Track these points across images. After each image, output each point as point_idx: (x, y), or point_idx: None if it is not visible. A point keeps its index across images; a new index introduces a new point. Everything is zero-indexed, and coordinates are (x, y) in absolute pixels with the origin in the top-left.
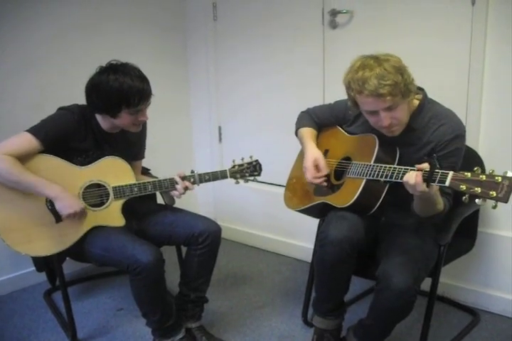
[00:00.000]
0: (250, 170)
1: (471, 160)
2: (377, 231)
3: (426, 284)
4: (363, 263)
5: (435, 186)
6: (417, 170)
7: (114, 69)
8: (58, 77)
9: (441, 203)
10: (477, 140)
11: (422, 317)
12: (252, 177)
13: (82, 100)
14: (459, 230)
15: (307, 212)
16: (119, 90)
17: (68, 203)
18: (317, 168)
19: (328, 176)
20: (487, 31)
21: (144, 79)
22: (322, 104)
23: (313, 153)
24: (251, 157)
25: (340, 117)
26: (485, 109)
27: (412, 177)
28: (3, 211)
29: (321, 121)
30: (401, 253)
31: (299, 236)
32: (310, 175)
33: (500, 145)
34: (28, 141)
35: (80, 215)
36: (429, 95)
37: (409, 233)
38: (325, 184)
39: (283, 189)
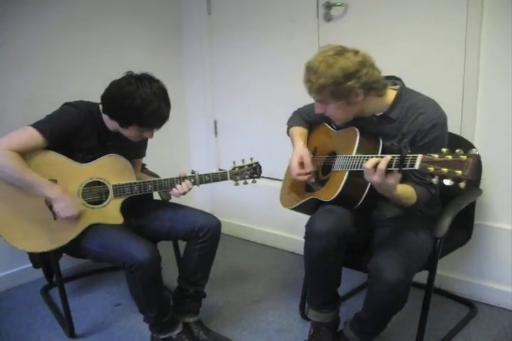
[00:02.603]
0: (250, 172)
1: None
2: (371, 225)
3: (423, 276)
4: (355, 255)
5: (394, 176)
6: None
7: (145, 84)
8: (53, 73)
9: (411, 197)
10: (473, 132)
11: (419, 309)
12: (251, 180)
13: (76, 96)
14: (455, 222)
15: (300, 209)
16: (141, 110)
17: (67, 206)
18: (302, 165)
19: (316, 172)
20: (483, 17)
21: (168, 106)
22: (311, 103)
23: (299, 152)
24: (251, 159)
25: None
26: (481, 99)
27: (372, 162)
28: (1, 206)
29: (311, 118)
30: (393, 246)
31: (296, 230)
32: (294, 172)
33: (495, 137)
34: (32, 137)
35: (75, 218)
36: (424, 86)
37: (401, 226)
38: (313, 180)
39: (280, 183)
